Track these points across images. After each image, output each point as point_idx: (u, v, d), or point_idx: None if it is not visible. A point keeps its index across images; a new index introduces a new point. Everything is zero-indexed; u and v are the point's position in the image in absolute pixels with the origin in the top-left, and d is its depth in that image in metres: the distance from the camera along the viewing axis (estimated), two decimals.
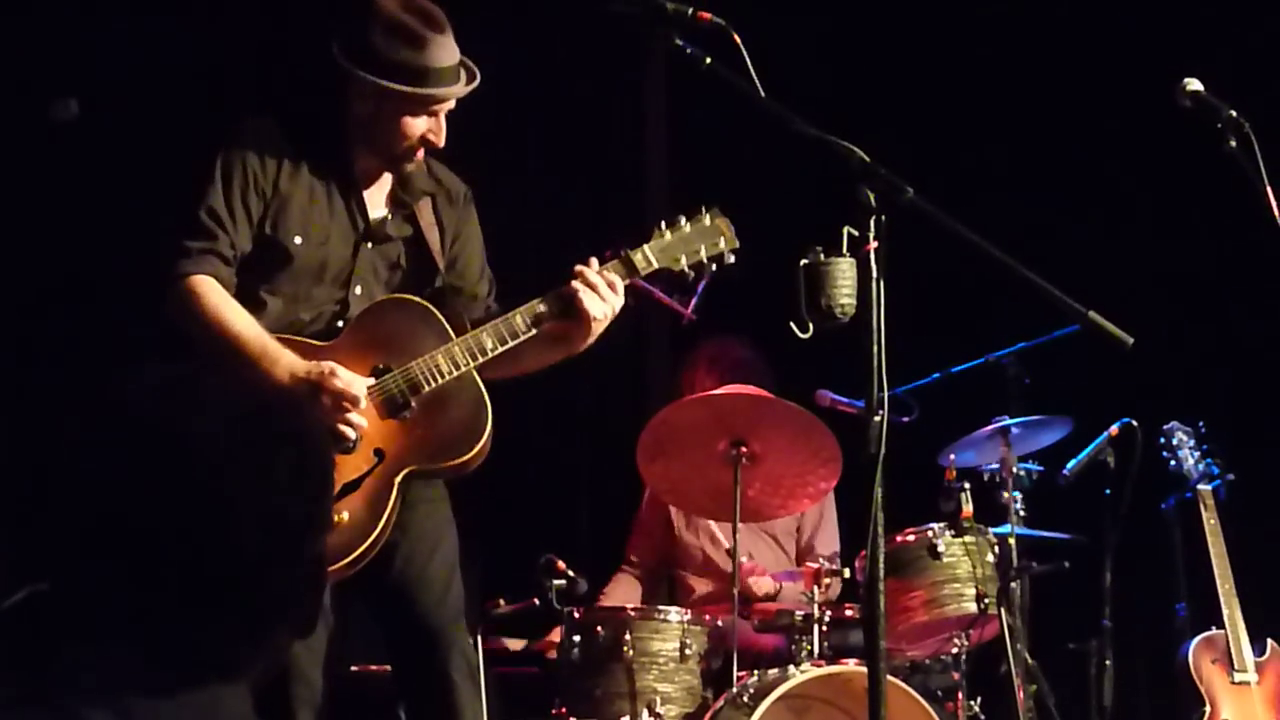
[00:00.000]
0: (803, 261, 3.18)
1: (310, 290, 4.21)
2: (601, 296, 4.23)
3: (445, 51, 4.12)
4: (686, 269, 4.36)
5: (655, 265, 4.33)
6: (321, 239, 4.21)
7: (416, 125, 4.17)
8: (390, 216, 4.33)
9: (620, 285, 4.27)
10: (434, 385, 4.15)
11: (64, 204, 5.85)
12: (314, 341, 4.16)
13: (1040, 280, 3.21)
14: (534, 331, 4.22)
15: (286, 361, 4.04)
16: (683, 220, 4.39)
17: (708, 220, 4.41)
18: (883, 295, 3.06)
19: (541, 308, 4.24)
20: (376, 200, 4.32)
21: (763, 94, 3.24)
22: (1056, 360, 5.83)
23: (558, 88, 7.21)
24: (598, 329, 4.28)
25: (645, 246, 4.33)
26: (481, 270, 4.49)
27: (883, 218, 3.07)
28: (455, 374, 4.15)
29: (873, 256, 3.06)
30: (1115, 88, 7.07)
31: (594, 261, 4.28)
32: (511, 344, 4.20)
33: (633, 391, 6.93)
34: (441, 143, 4.25)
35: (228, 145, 4.19)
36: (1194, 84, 4.13)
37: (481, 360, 4.17)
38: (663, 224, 4.38)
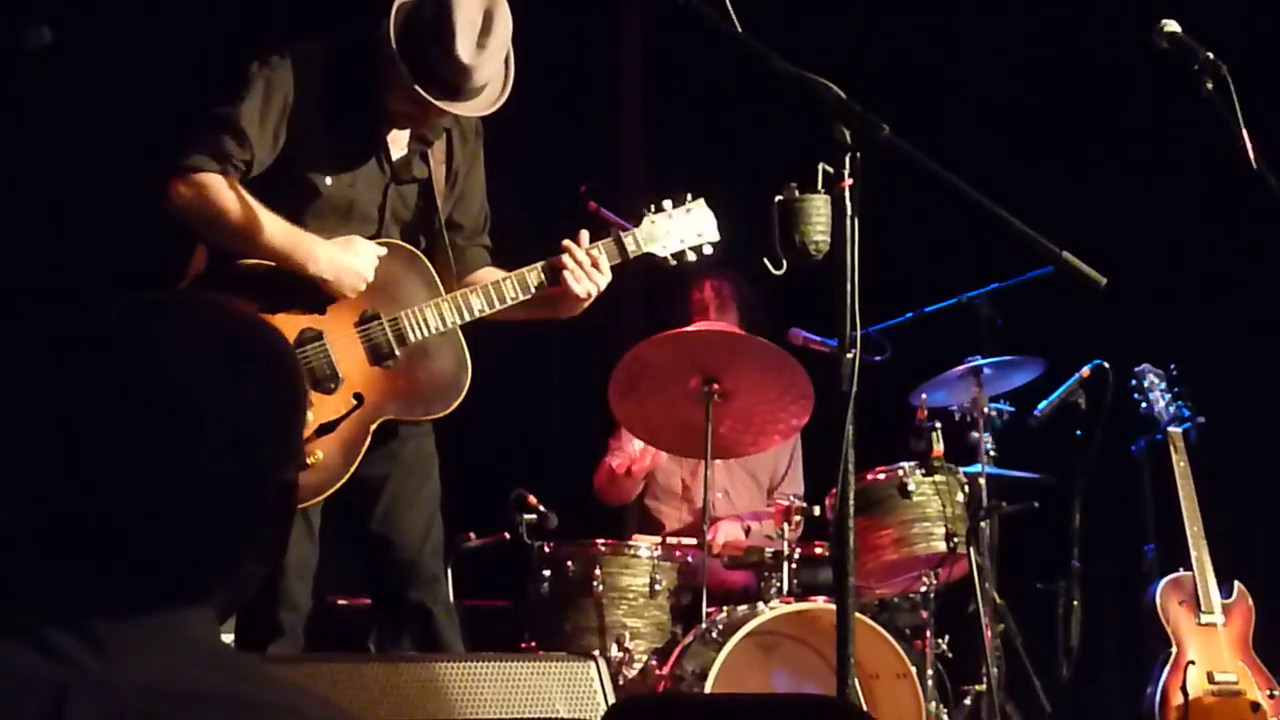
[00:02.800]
0: (777, 198, 3.18)
1: (336, 228, 4.20)
2: (587, 275, 4.32)
3: (477, 66, 4.09)
4: (669, 258, 4.49)
5: (643, 251, 4.44)
6: (350, 180, 4.21)
7: (416, 110, 4.17)
8: (411, 157, 4.33)
9: (606, 265, 4.36)
10: (420, 338, 4.18)
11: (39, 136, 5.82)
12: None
13: (1014, 220, 3.21)
14: (521, 298, 4.27)
15: (316, 249, 4.09)
16: (669, 206, 4.50)
17: (693, 210, 4.54)
18: (857, 233, 3.07)
19: (531, 277, 4.30)
20: (400, 140, 4.32)
21: (739, 30, 3.23)
22: (1029, 301, 5.85)
23: (531, 32, 7.17)
24: (583, 304, 4.36)
25: (635, 231, 4.43)
26: (481, 206, 4.53)
27: (858, 155, 3.08)
28: (441, 331, 4.19)
29: (847, 194, 3.07)
30: (1090, 26, 7.06)
31: (584, 236, 4.35)
32: (499, 308, 4.26)
33: (605, 325, 6.93)
34: (432, 138, 4.29)
35: (270, 66, 4.15)
36: (1171, 25, 4.12)
37: (467, 320, 4.22)
38: (651, 208, 4.49)
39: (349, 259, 4.11)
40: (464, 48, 4.06)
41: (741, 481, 6.40)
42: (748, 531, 5.95)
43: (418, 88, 4.06)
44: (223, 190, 4.04)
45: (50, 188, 5.92)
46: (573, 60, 7.43)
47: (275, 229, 4.06)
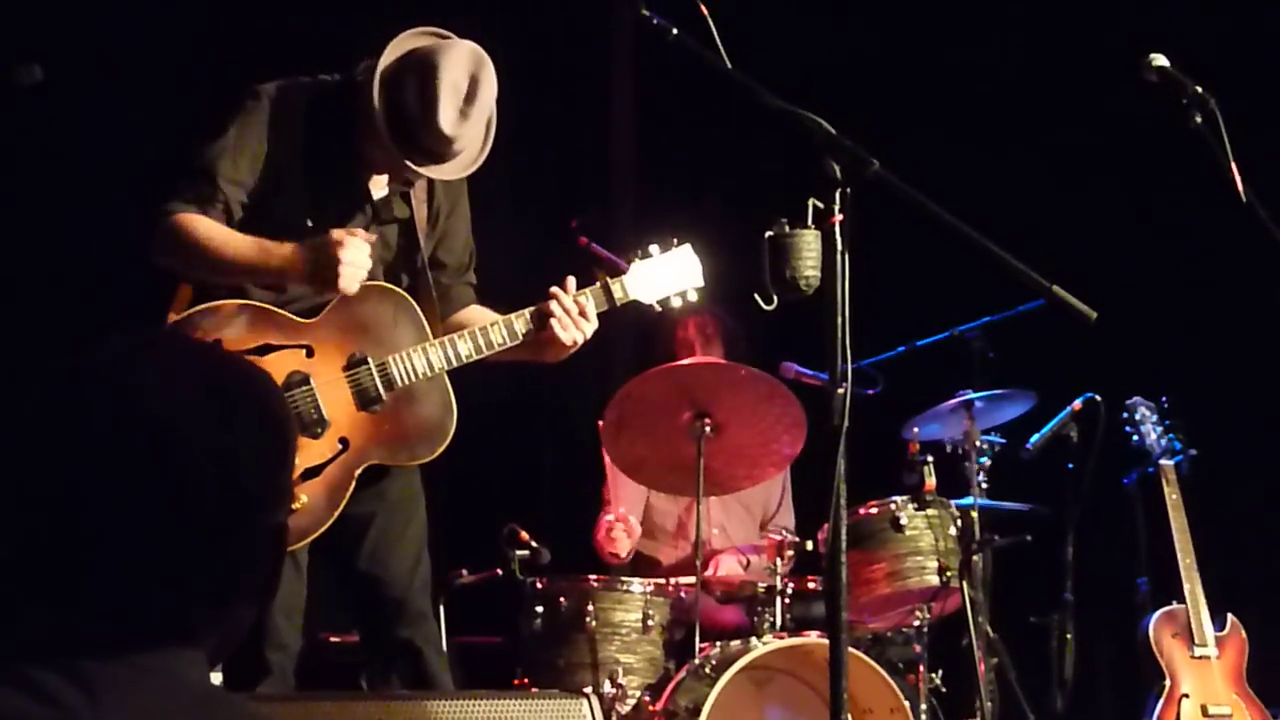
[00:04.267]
0: (768, 233, 3.19)
1: None
2: (575, 323, 4.31)
3: (459, 136, 4.10)
4: (655, 305, 4.50)
5: (629, 298, 4.44)
6: (332, 221, 4.18)
7: (394, 164, 4.17)
8: (391, 197, 4.32)
9: (593, 312, 4.35)
10: (407, 383, 4.17)
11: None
12: (295, 317, 4.14)
13: (1005, 254, 3.22)
14: (509, 344, 4.28)
15: (287, 250, 4.02)
16: (656, 251, 4.49)
17: (679, 256, 4.53)
18: (847, 268, 3.07)
19: (519, 324, 4.29)
20: (380, 180, 4.31)
21: (729, 65, 3.24)
22: (1020, 334, 5.85)
23: (522, 59, 7.19)
24: (569, 351, 4.36)
25: (623, 279, 4.42)
26: (465, 244, 4.52)
27: (848, 190, 3.08)
28: (429, 376, 4.18)
29: (838, 229, 3.07)
30: (1081, 61, 7.08)
31: (571, 283, 4.33)
32: (486, 354, 4.25)
33: (596, 357, 6.93)
34: (413, 179, 4.27)
35: (246, 108, 4.14)
36: (1159, 59, 4.13)
37: (454, 366, 4.21)
38: (638, 254, 4.48)
39: (347, 254, 4.01)
40: (446, 118, 4.07)
41: (736, 516, 6.39)
42: (747, 565, 5.94)
43: (401, 158, 4.09)
44: (198, 223, 4.02)
45: (39, 225, 5.92)
46: (562, 91, 7.45)
47: (246, 244, 4.02)
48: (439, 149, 4.12)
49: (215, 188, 4.06)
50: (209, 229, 4.03)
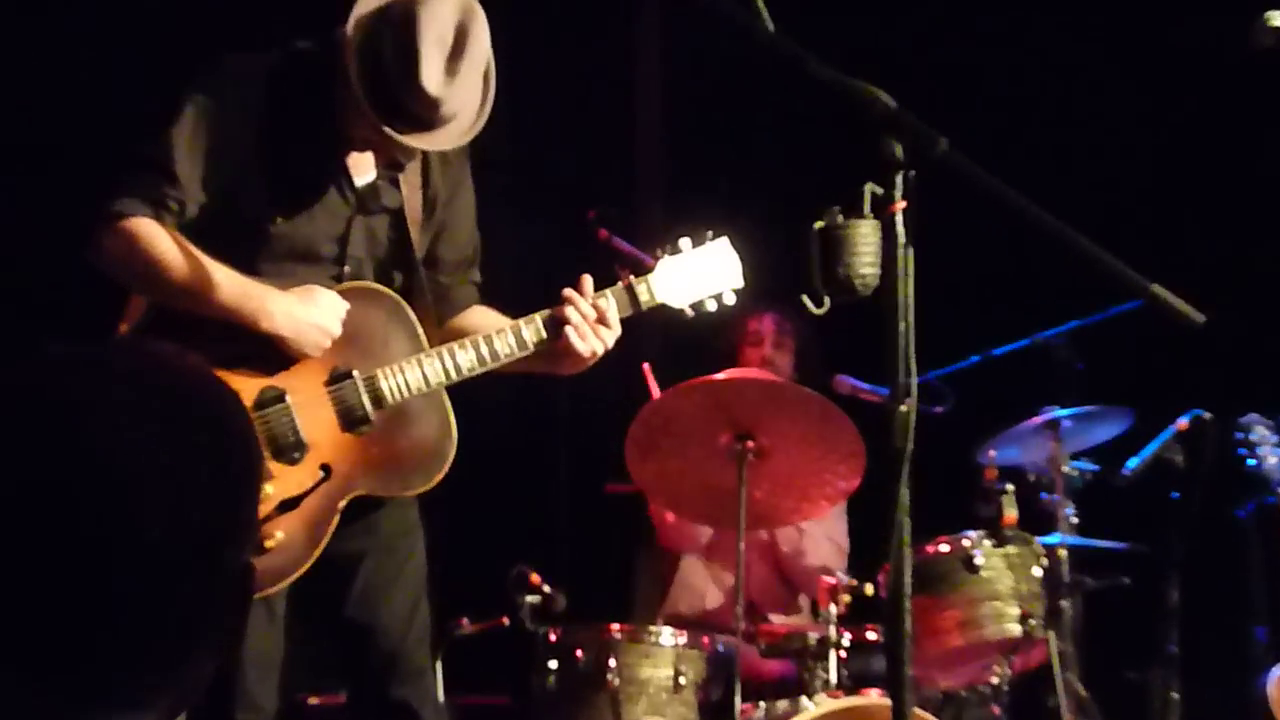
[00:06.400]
0: (817, 225, 3.17)
1: (295, 270, 4.18)
2: (593, 330, 4.28)
3: (446, 96, 4.04)
4: (687, 309, 4.46)
5: (657, 302, 4.41)
6: (308, 216, 4.18)
7: (377, 139, 4.14)
8: (379, 182, 4.30)
9: (615, 318, 4.31)
10: (399, 400, 4.15)
11: None
12: None
13: (1096, 248, 3.20)
14: (517, 355, 4.26)
15: (277, 301, 4.05)
16: (687, 246, 4.46)
17: (715, 251, 4.50)
18: (911, 264, 3.06)
19: (528, 332, 4.27)
20: (364, 163, 4.28)
21: (771, 29, 3.23)
22: (1115, 342, 5.83)
23: (534, 35, 7.20)
24: (587, 363, 4.33)
25: (649, 278, 4.39)
26: (469, 236, 4.49)
27: (911, 173, 3.07)
28: (424, 392, 4.17)
29: (899, 219, 3.06)
30: (1187, 29, 7.06)
31: (588, 284, 4.30)
32: (490, 366, 4.24)
33: (619, 370, 6.93)
34: (404, 160, 4.26)
35: (202, 89, 4.14)
36: (1277, 19, 4.10)
37: (454, 380, 4.19)
38: (667, 249, 4.45)
39: (310, 312, 4.08)
40: (431, 77, 4.00)
41: (814, 539, 6.40)
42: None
43: (381, 125, 4.04)
44: (155, 237, 4.01)
45: None
46: (581, 66, 7.46)
47: (220, 278, 4.02)
48: (425, 113, 4.06)
49: (171, 184, 4.04)
50: (173, 247, 4.00)
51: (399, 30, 4.02)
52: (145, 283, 4.07)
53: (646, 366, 5.96)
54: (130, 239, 4.01)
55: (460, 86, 4.06)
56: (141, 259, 4.01)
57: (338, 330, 4.10)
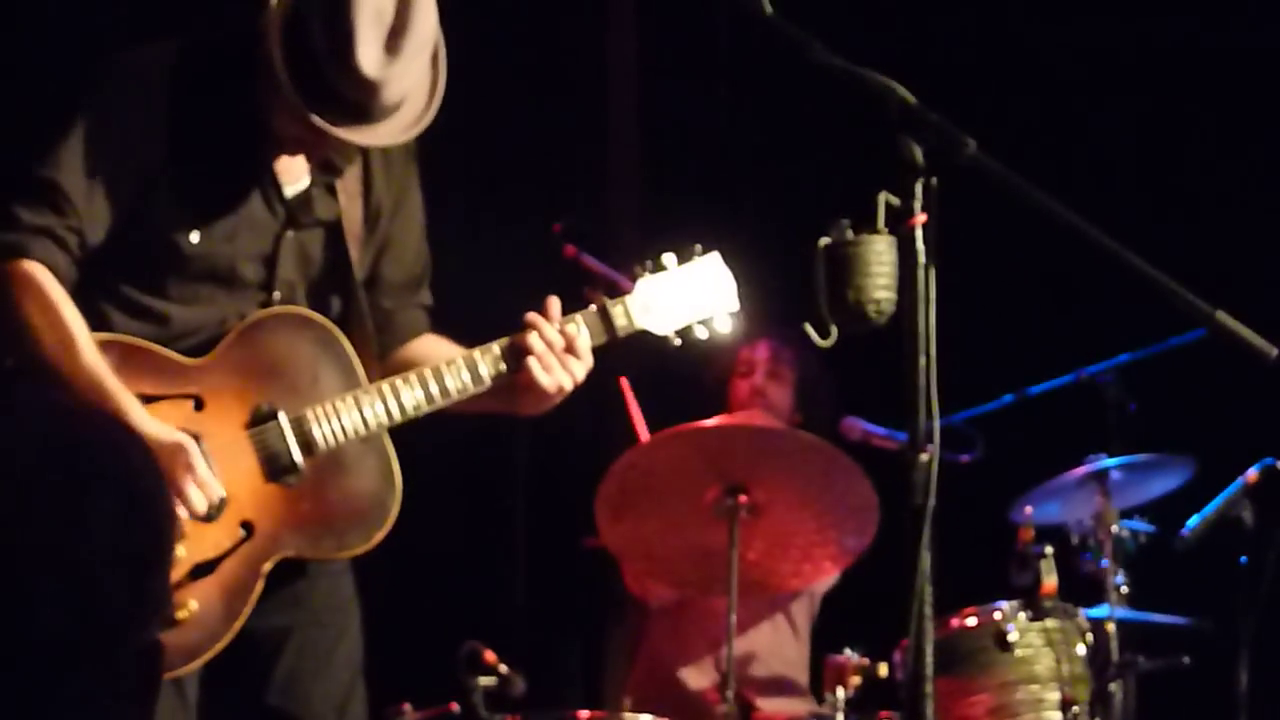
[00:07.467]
0: (823, 241, 3.19)
1: (215, 296, 4.16)
2: (560, 361, 4.23)
3: (387, 79, 3.98)
4: (672, 337, 4.42)
5: (637, 327, 4.37)
6: (228, 232, 4.15)
7: (310, 136, 4.12)
8: (312, 191, 4.28)
9: (586, 347, 4.26)
10: (332, 446, 4.14)
11: None
12: (179, 357, 4.12)
13: (1152, 270, 3.22)
14: (471, 391, 4.24)
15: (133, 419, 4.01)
16: (672, 262, 4.43)
17: (704, 269, 4.46)
18: (933, 287, 3.07)
19: (484, 363, 4.22)
20: (295, 168, 4.24)
21: (769, 10, 3.25)
22: (1173, 379, 5.85)
23: (497, 29, 7.23)
24: (553, 400, 4.30)
25: (627, 301, 4.36)
26: (417, 253, 4.47)
27: (934, 181, 3.08)
28: (362, 435, 4.16)
29: (919, 233, 3.07)
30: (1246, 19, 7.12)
31: (554, 307, 4.28)
32: (440, 405, 4.21)
33: (589, 417, 6.94)
34: (340, 164, 4.24)
35: (95, 92, 4.13)
36: None
37: (396, 421, 4.17)
38: (647, 267, 4.41)
39: (173, 471, 3.98)
40: (368, 56, 3.94)
41: (769, 619, 6.39)
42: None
43: (309, 114, 3.98)
44: (38, 292, 3.97)
45: None
46: (549, 60, 7.48)
47: (85, 364, 3.96)
48: (362, 99, 3.99)
49: (64, 213, 4.00)
50: (55, 305, 3.96)
51: (329, 3, 4.01)
52: (6, 336, 4.04)
53: (624, 381, 5.93)
54: (11, 286, 3.99)
55: (403, 68, 4.02)
56: (13, 313, 3.99)
57: (203, 508, 4.03)
